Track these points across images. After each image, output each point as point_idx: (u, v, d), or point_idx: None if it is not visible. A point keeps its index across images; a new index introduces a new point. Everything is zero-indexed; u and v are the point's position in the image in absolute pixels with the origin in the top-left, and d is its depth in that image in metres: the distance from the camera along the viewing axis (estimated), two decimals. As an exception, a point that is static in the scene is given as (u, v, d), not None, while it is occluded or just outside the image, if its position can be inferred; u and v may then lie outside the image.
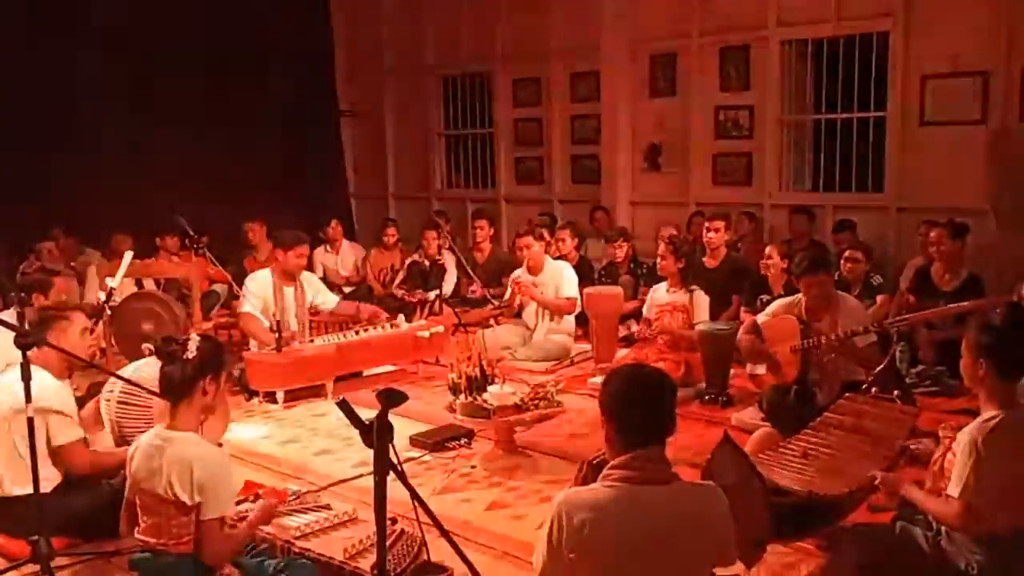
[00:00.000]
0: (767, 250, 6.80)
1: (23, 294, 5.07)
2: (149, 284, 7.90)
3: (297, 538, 3.76)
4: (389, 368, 6.85)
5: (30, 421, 3.56)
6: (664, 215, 9.22)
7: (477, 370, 5.11)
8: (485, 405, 4.93)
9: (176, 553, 3.12)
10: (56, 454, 3.97)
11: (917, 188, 7.97)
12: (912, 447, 3.70)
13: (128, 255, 6.33)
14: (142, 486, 3.18)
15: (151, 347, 4.93)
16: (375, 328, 6.72)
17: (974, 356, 3.12)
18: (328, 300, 6.90)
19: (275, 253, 6.68)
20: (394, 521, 3.64)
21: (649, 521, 2.43)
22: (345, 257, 9.72)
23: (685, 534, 2.46)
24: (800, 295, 5.13)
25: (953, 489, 3.00)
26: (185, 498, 3.08)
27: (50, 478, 3.93)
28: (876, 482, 3.37)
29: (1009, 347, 3.08)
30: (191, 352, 3.24)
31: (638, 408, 2.53)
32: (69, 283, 7.35)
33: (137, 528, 3.25)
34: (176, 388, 3.24)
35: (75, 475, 4.02)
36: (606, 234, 8.96)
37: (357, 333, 6.59)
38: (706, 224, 7.38)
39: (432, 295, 8.35)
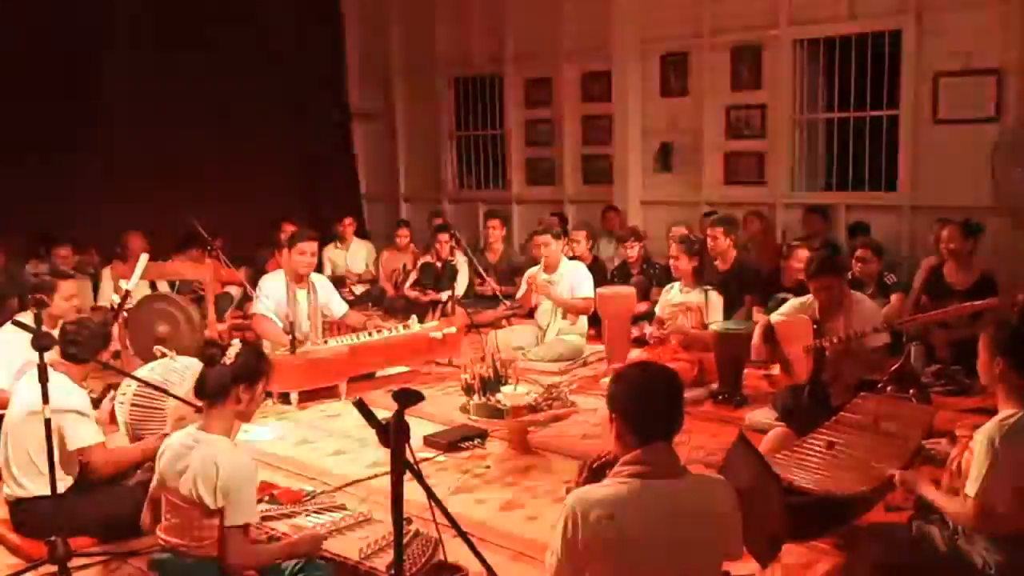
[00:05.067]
0: (797, 253, 6.80)
1: (31, 296, 5.11)
2: (162, 286, 7.93)
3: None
4: (402, 369, 6.87)
5: (47, 422, 3.60)
6: (676, 215, 9.20)
7: (490, 371, 5.13)
8: (498, 405, 4.95)
9: (197, 556, 3.12)
10: (72, 459, 4.00)
11: (930, 187, 7.94)
12: (928, 447, 3.68)
13: (144, 257, 6.36)
14: (168, 485, 3.19)
15: (162, 349, 4.98)
16: (388, 329, 6.73)
17: (991, 354, 3.11)
18: (337, 307, 6.88)
19: (282, 252, 6.67)
20: (409, 521, 3.65)
21: (664, 514, 2.44)
22: (355, 254, 9.76)
23: (698, 526, 2.48)
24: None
25: (970, 488, 2.98)
26: (208, 501, 3.08)
27: (65, 479, 3.96)
28: (895, 480, 3.36)
29: (1026, 345, 3.07)
30: (229, 358, 3.24)
31: (648, 404, 2.55)
32: (80, 285, 7.35)
33: (159, 525, 3.26)
34: (209, 392, 3.26)
35: (95, 478, 4.04)
36: (618, 234, 8.95)
37: (370, 334, 6.60)
38: (707, 232, 7.38)
39: (444, 296, 8.36)
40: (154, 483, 3.33)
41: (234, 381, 3.24)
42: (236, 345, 3.31)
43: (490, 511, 4.40)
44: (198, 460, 3.12)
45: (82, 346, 4.08)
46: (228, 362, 3.24)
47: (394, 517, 2.50)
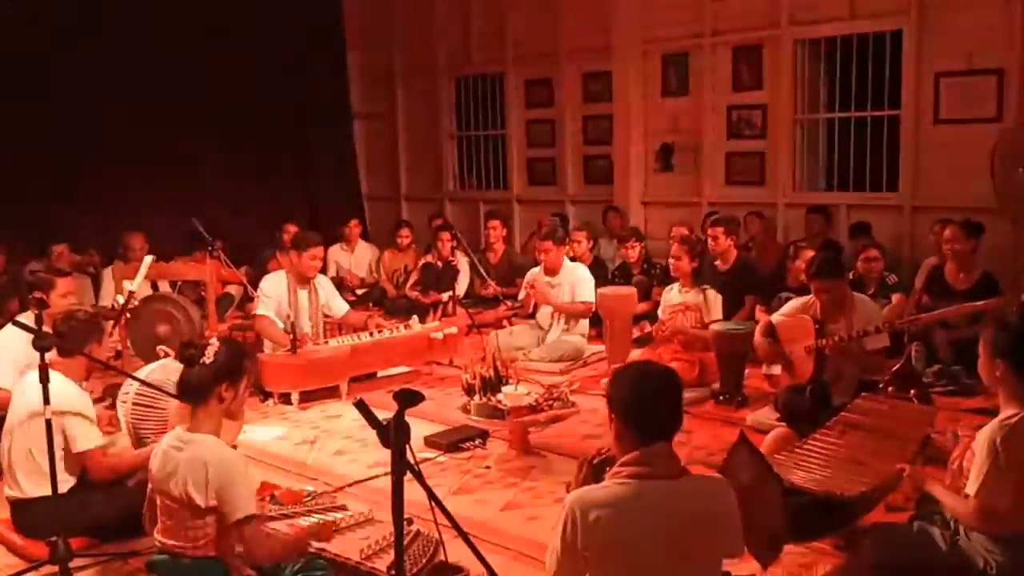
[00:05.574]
0: (803, 254, 6.83)
1: (31, 295, 5.12)
2: (164, 286, 7.93)
3: (314, 538, 3.78)
4: (403, 369, 6.87)
5: (48, 423, 3.60)
6: (677, 215, 9.20)
7: (491, 371, 5.12)
8: (499, 406, 4.94)
9: (193, 556, 3.12)
10: (74, 460, 4.00)
11: (932, 187, 7.93)
12: (934, 436, 3.70)
13: (149, 258, 6.37)
14: (160, 487, 3.20)
15: (165, 349, 4.98)
16: (389, 330, 6.73)
17: (991, 356, 3.11)
18: (338, 307, 6.89)
19: (290, 254, 6.71)
20: (410, 522, 3.65)
21: (663, 515, 2.44)
22: (360, 257, 9.75)
23: (698, 527, 2.48)
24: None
25: (971, 488, 2.99)
26: (199, 500, 3.08)
27: (66, 480, 3.96)
28: (905, 475, 3.38)
29: (1026, 346, 3.07)
30: (208, 357, 3.24)
31: (648, 404, 2.54)
32: (78, 283, 7.34)
33: (156, 527, 3.26)
34: (192, 392, 3.25)
35: (94, 480, 4.04)
36: (619, 234, 8.95)
37: (371, 335, 6.60)
38: (708, 232, 7.39)
39: (446, 296, 8.36)
40: (150, 486, 3.34)
41: (216, 380, 3.23)
42: (215, 344, 3.30)
43: (491, 512, 4.40)
44: (186, 461, 3.12)
45: (69, 337, 4.06)
46: (208, 362, 3.23)
47: (395, 518, 2.50)
